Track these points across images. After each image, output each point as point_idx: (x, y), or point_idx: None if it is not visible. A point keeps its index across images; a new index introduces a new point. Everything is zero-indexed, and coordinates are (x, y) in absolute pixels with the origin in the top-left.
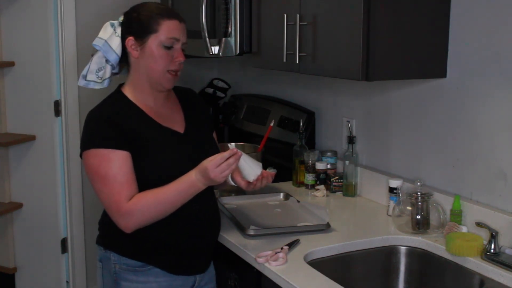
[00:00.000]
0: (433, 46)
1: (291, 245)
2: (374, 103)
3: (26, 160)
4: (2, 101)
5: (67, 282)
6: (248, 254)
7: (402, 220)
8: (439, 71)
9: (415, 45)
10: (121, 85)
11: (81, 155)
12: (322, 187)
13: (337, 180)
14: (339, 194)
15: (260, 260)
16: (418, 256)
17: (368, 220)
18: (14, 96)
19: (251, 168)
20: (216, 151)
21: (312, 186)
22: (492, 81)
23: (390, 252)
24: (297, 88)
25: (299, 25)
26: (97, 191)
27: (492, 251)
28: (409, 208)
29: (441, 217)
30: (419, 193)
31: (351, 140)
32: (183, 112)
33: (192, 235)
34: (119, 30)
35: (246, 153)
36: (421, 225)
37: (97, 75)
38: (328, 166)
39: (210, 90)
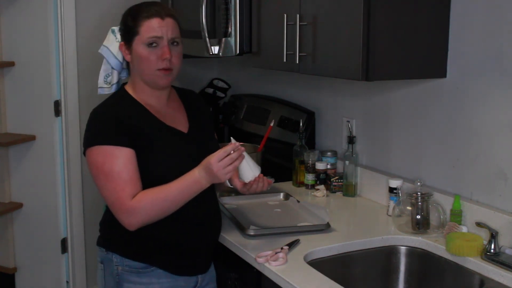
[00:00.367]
0: (433, 46)
1: (291, 245)
2: (374, 103)
3: (26, 160)
4: (2, 101)
5: (67, 282)
6: (248, 254)
7: (402, 220)
8: (439, 71)
9: (415, 45)
10: (124, 84)
11: (84, 153)
12: (322, 187)
13: (337, 180)
14: (339, 194)
15: (260, 260)
16: (418, 256)
17: (368, 220)
18: (14, 96)
19: (250, 168)
20: None
21: (312, 186)
22: (492, 81)
23: (390, 252)
24: (297, 88)
25: (299, 25)
26: (100, 189)
27: (492, 251)
28: (409, 208)
29: (441, 217)
30: (419, 193)
31: (351, 140)
32: (186, 112)
33: (193, 235)
34: (118, 35)
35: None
36: (421, 225)
37: (105, 81)
38: (328, 166)
39: (210, 90)
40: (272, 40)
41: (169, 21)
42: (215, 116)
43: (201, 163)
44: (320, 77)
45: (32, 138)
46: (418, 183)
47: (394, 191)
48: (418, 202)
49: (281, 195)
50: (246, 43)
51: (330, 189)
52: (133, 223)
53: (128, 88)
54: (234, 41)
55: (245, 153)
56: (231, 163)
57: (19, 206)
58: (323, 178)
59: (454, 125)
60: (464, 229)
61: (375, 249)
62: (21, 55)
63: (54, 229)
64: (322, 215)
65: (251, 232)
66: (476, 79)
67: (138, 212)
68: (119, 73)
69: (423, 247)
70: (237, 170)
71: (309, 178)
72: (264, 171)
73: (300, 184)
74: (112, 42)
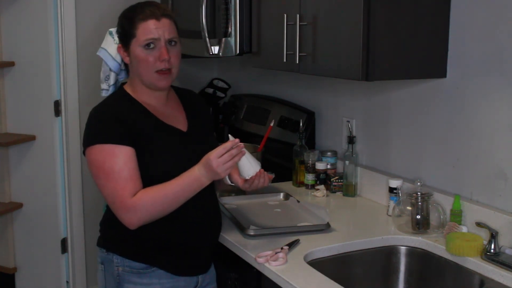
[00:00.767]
0: (433, 46)
1: (291, 245)
2: (374, 103)
3: (26, 160)
4: (2, 101)
5: (67, 282)
6: (248, 254)
7: (402, 220)
8: (439, 71)
9: (415, 45)
10: (124, 84)
11: (84, 152)
12: (322, 187)
13: (337, 180)
14: (339, 194)
15: (260, 260)
16: (418, 256)
17: (368, 220)
18: (14, 96)
19: (250, 165)
20: None
21: (312, 186)
22: (492, 81)
23: (390, 252)
24: (297, 88)
25: (299, 25)
26: (101, 187)
27: (492, 251)
28: (409, 208)
29: (441, 217)
30: (419, 193)
31: (351, 140)
32: (185, 111)
33: (193, 235)
34: (116, 37)
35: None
36: (421, 225)
37: (106, 83)
38: (328, 166)
39: (210, 90)
40: (272, 40)
41: (165, 21)
42: (215, 116)
43: (201, 160)
44: (320, 77)
45: (32, 138)
46: (418, 183)
47: (394, 191)
48: (418, 202)
49: (281, 195)
50: (246, 43)
51: (330, 189)
52: (134, 221)
53: (127, 88)
54: (234, 41)
55: (244, 149)
56: (230, 159)
57: (19, 206)
58: (323, 178)
59: (454, 125)
60: (464, 229)
61: (375, 249)
62: (21, 55)
63: (54, 229)
64: (322, 215)
65: (251, 232)
66: (476, 79)
67: (138, 210)
68: (117, 75)
69: (423, 247)
70: (237, 167)
71: (309, 178)
72: (265, 171)
73: (300, 184)
74: (110, 44)
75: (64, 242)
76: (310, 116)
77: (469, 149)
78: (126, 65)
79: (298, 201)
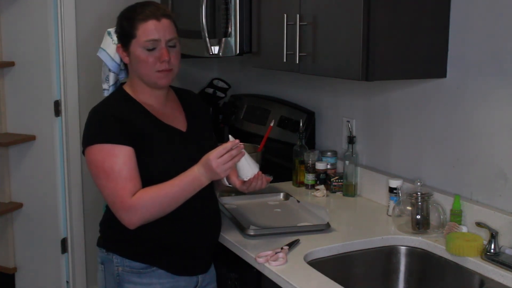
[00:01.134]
0: (433, 46)
1: (291, 245)
2: (374, 103)
3: (26, 160)
4: (2, 101)
5: (67, 282)
6: (248, 254)
7: (402, 220)
8: (439, 71)
9: (415, 45)
10: (123, 84)
11: (83, 152)
12: (322, 187)
13: (337, 180)
14: (339, 194)
15: (260, 260)
16: (418, 256)
17: (368, 220)
18: (14, 96)
19: (249, 166)
20: None
21: (312, 186)
22: (492, 81)
23: (390, 252)
24: (297, 88)
25: (299, 25)
26: (100, 187)
27: (492, 251)
28: (409, 208)
29: (441, 217)
30: (419, 193)
31: (351, 140)
32: (184, 111)
33: (193, 235)
34: (115, 37)
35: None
36: (421, 225)
37: (107, 83)
38: (328, 166)
39: (210, 90)
40: (272, 40)
41: (165, 22)
42: (215, 116)
43: (200, 160)
44: (320, 77)
45: (32, 138)
46: (418, 183)
47: (394, 191)
48: (418, 202)
49: (281, 195)
50: (246, 43)
51: (330, 189)
52: (134, 221)
53: (127, 88)
54: (234, 41)
55: (244, 151)
56: (230, 160)
57: (19, 206)
58: (323, 178)
59: (454, 125)
60: (464, 229)
61: (375, 249)
62: (21, 55)
63: (54, 229)
64: (322, 215)
65: (251, 232)
66: (476, 79)
67: (138, 209)
68: (117, 75)
69: (423, 247)
70: (235, 168)
71: (309, 178)
72: (264, 171)
73: (300, 184)
74: (109, 44)
75: (64, 242)
76: (310, 116)
77: (469, 149)
78: (125, 64)
79: (298, 201)
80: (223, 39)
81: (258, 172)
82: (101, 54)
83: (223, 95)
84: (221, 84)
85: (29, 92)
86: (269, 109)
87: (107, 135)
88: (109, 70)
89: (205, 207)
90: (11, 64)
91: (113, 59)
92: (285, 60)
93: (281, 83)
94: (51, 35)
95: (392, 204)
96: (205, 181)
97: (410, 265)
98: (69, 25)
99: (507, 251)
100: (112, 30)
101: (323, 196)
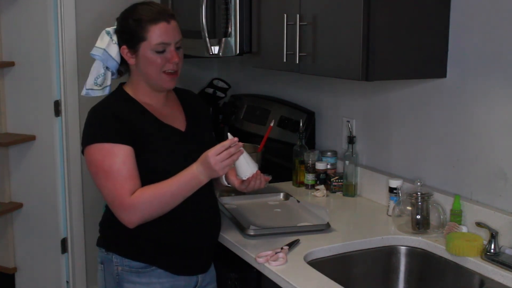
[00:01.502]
0: (433, 46)
1: (291, 245)
2: (374, 103)
3: (26, 160)
4: (2, 101)
5: (67, 282)
6: (248, 254)
7: (402, 220)
8: (439, 71)
9: (415, 45)
10: (122, 83)
11: (82, 151)
12: (322, 187)
13: (337, 180)
14: (339, 194)
15: (260, 260)
16: (418, 256)
17: (368, 220)
18: (14, 96)
19: (247, 165)
20: None
21: (312, 186)
22: (492, 81)
23: (390, 252)
24: (297, 88)
25: (299, 25)
26: (99, 186)
27: (492, 251)
28: (409, 208)
29: (441, 217)
30: (419, 193)
31: (351, 140)
32: (183, 111)
33: (193, 235)
34: (115, 37)
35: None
36: (421, 225)
37: (95, 82)
38: (328, 166)
39: (210, 90)
40: (272, 40)
41: (174, 24)
42: (215, 116)
43: (199, 158)
44: (320, 77)
45: (32, 138)
46: (418, 183)
47: (394, 191)
48: (418, 202)
49: (281, 195)
50: (246, 43)
51: (330, 189)
52: (133, 220)
53: (127, 88)
54: (234, 41)
55: (242, 149)
56: (228, 157)
57: (19, 206)
58: (323, 178)
59: (454, 125)
60: (464, 229)
61: (375, 249)
62: (21, 55)
63: (54, 229)
64: (322, 215)
65: (251, 232)
66: (476, 79)
67: (137, 208)
68: (112, 75)
69: (423, 247)
70: (234, 167)
71: (309, 178)
72: (264, 171)
73: (300, 184)
74: (109, 44)
75: (64, 242)
76: (310, 116)
77: (469, 149)
78: (124, 65)
79: (298, 201)
80: (223, 39)
81: (257, 171)
82: (100, 54)
83: (223, 95)
84: (221, 84)
85: (29, 92)
86: (269, 109)
87: (106, 134)
88: (108, 69)
89: (205, 206)
90: (11, 64)
91: (114, 59)
92: (285, 60)
93: (281, 83)
94: (51, 35)
95: (392, 204)
96: (203, 179)
97: (410, 265)
98: (69, 25)
99: (507, 251)
100: (111, 29)
101: (323, 196)
